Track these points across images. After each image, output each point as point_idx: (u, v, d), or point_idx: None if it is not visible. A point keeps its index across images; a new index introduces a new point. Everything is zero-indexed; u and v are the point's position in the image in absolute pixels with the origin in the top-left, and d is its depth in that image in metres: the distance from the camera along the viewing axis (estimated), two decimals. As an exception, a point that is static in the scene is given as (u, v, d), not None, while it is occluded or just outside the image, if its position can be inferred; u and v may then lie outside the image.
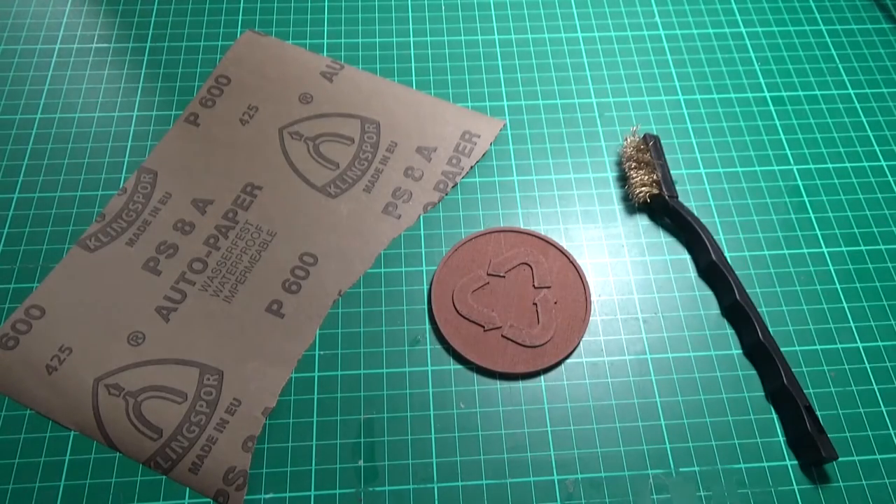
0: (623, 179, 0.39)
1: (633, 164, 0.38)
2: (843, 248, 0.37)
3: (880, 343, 0.35)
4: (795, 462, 0.32)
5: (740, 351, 0.34)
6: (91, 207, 0.37)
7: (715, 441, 0.32)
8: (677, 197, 0.38)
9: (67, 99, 0.41)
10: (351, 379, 0.33)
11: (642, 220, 0.38)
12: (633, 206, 0.38)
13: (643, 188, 0.37)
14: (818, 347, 0.34)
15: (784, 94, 0.43)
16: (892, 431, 0.32)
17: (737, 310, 0.34)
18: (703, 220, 0.38)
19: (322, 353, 0.34)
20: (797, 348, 0.34)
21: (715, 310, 0.35)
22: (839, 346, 0.34)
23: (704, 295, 0.36)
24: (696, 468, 0.31)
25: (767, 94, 0.43)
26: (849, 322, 0.35)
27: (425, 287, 0.36)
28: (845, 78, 0.44)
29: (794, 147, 0.41)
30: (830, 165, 0.40)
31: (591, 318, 0.35)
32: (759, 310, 0.35)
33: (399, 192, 0.38)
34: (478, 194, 0.39)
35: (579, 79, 0.43)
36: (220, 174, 0.38)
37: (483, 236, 0.37)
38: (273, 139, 0.40)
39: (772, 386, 0.33)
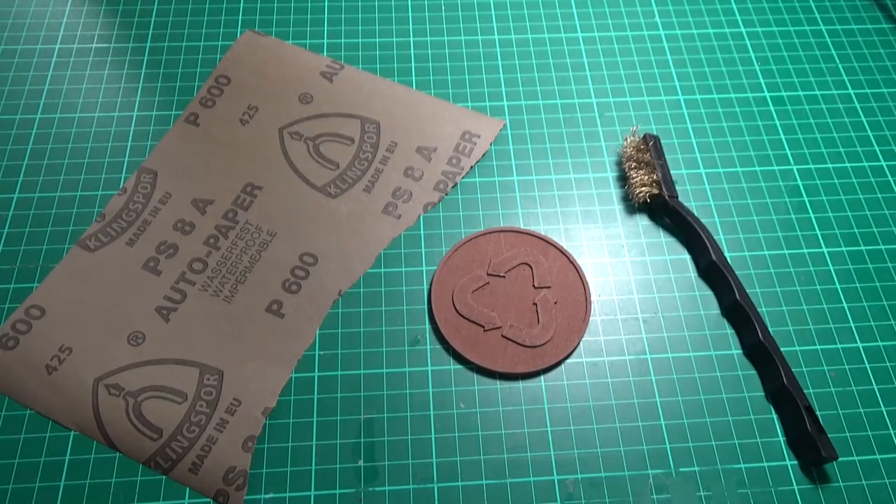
0: (623, 179, 0.39)
1: (633, 164, 0.38)
2: (843, 248, 0.37)
3: (880, 343, 0.35)
4: (795, 462, 0.32)
5: (740, 351, 0.34)
6: (91, 207, 0.37)
7: (715, 441, 0.32)
8: (677, 197, 0.38)
9: (67, 99, 0.41)
10: (351, 379, 0.33)
11: (642, 220, 0.38)
12: (633, 206, 0.38)
13: (643, 188, 0.37)
14: (818, 347, 0.34)
15: (784, 94, 0.43)
16: (892, 431, 0.32)
17: (737, 310, 0.34)
18: (703, 220, 0.38)
19: (322, 353, 0.34)
20: (797, 348, 0.34)
21: (715, 310, 0.35)
22: (839, 346, 0.34)
23: (704, 295, 0.36)
24: (696, 468, 0.31)
25: (767, 94, 0.43)
26: (849, 322, 0.35)
27: (425, 287, 0.36)
28: (845, 78, 0.44)
29: (794, 147, 0.41)
30: (830, 165, 0.40)
31: (591, 318, 0.35)
32: (759, 310, 0.35)
33: (399, 192, 0.38)
34: (478, 194, 0.39)
35: (579, 79, 0.43)
36: (220, 174, 0.38)
37: (483, 236, 0.37)
38: (273, 139, 0.40)
39: (772, 386, 0.33)
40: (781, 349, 0.34)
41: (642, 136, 0.39)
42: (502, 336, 0.34)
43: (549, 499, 0.30)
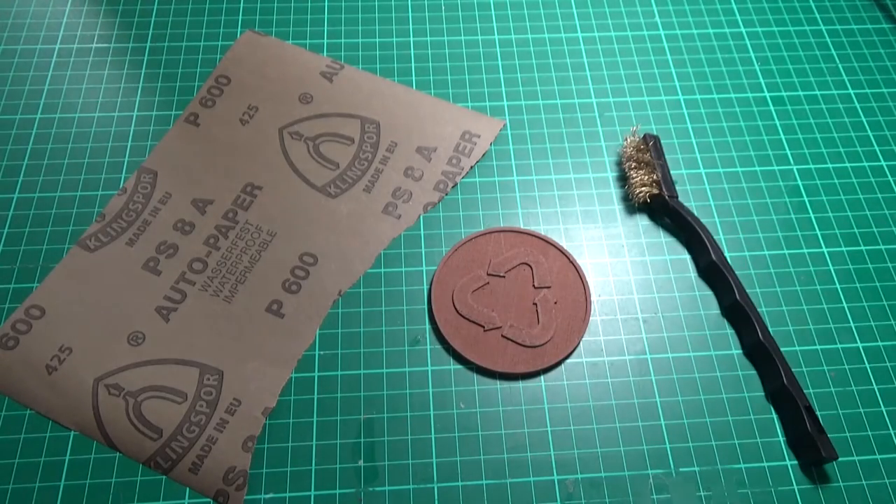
0: (623, 179, 0.39)
1: (633, 164, 0.38)
2: (843, 248, 0.37)
3: (880, 343, 0.35)
4: (795, 462, 0.32)
5: (740, 351, 0.34)
6: (91, 207, 0.37)
7: (715, 441, 0.32)
8: (677, 197, 0.38)
9: (67, 99, 0.41)
10: (351, 379, 0.33)
11: (642, 220, 0.38)
12: (633, 206, 0.38)
13: (643, 188, 0.37)
14: (818, 347, 0.34)
15: (784, 94, 0.43)
16: (892, 431, 0.32)
17: (737, 310, 0.34)
18: (703, 220, 0.38)
19: (322, 353, 0.34)
20: (797, 348, 0.34)
21: (715, 310, 0.35)
22: (839, 346, 0.34)
23: (704, 295, 0.36)
24: (696, 468, 0.31)
25: (767, 94, 0.43)
26: (849, 322, 0.35)
27: (425, 287, 0.36)
28: (845, 78, 0.44)
29: (794, 147, 0.41)
30: (830, 165, 0.40)
31: (591, 318, 0.35)
32: (759, 310, 0.35)
33: (399, 192, 0.38)
34: (478, 194, 0.39)
35: (579, 79, 0.43)
36: (220, 174, 0.38)
37: (483, 236, 0.37)
38: (273, 139, 0.40)
39: (772, 386, 0.33)
40: (781, 349, 0.34)
41: (642, 136, 0.39)
42: (502, 336, 0.34)
43: (549, 499, 0.30)
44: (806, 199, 0.39)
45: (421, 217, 0.38)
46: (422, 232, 0.37)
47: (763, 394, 0.33)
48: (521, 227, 0.37)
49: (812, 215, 0.38)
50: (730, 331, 0.35)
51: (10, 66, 0.42)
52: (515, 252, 0.36)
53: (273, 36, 0.44)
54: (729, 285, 0.35)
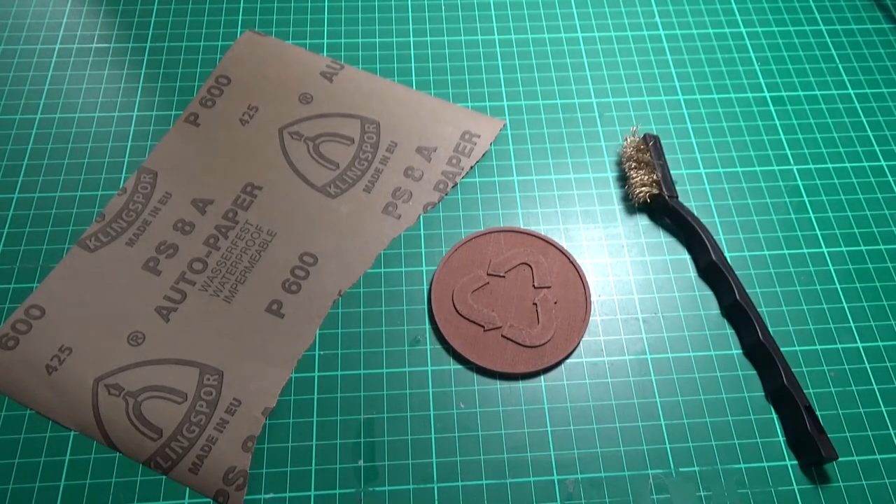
0: (623, 179, 0.39)
1: (633, 164, 0.38)
2: (843, 248, 0.37)
3: (880, 343, 0.35)
4: (795, 462, 0.32)
5: (740, 351, 0.34)
6: (91, 207, 0.37)
7: (715, 441, 0.32)
8: (677, 197, 0.38)
9: (67, 99, 0.41)
10: (351, 379, 0.33)
11: (642, 220, 0.38)
12: (633, 206, 0.38)
13: (643, 188, 0.37)
14: (818, 347, 0.34)
15: (784, 94, 0.43)
16: (892, 431, 0.32)
17: (737, 310, 0.34)
18: (703, 220, 0.38)
19: (322, 353, 0.34)
20: (797, 348, 0.34)
21: (715, 310, 0.35)
22: (839, 346, 0.34)
23: (704, 295, 0.36)
24: (696, 468, 0.31)
25: (767, 94, 0.43)
26: (849, 322, 0.35)
27: (425, 287, 0.36)
28: (845, 78, 0.44)
29: (794, 147, 0.41)
30: (830, 165, 0.40)
31: (591, 318, 0.35)
32: (759, 310, 0.35)
33: (399, 192, 0.38)
34: (478, 194, 0.39)
35: (579, 79, 0.43)
36: (220, 174, 0.38)
37: (483, 236, 0.37)
38: (273, 139, 0.40)
39: (772, 386, 0.33)
40: (781, 349, 0.34)
41: (642, 136, 0.39)
42: (502, 336, 0.34)
43: (549, 499, 0.30)
44: (806, 199, 0.39)
45: (421, 217, 0.38)
46: (422, 232, 0.37)
47: (763, 394, 0.33)
48: (521, 227, 0.37)
49: (812, 215, 0.38)
50: (730, 331, 0.35)
51: (10, 66, 0.42)
52: (515, 252, 0.36)
53: (273, 36, 0.44)
54: (729, 285, 0.35)
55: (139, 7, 0.45)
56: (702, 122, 0.41)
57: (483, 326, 0.34)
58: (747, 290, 0.36)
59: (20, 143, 0.39)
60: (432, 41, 0.44)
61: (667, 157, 0.40)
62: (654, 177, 0.38)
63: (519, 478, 0.31)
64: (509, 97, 0.42)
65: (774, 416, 0.33)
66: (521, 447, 0.32)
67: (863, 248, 0.37)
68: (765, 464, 0.31)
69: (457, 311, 0.34)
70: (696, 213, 0.38)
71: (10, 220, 0.37)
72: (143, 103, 0.41)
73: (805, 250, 0.37)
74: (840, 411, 0.33)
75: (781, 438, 0.32)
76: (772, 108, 0.42)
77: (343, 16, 0.45)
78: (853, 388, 0.33)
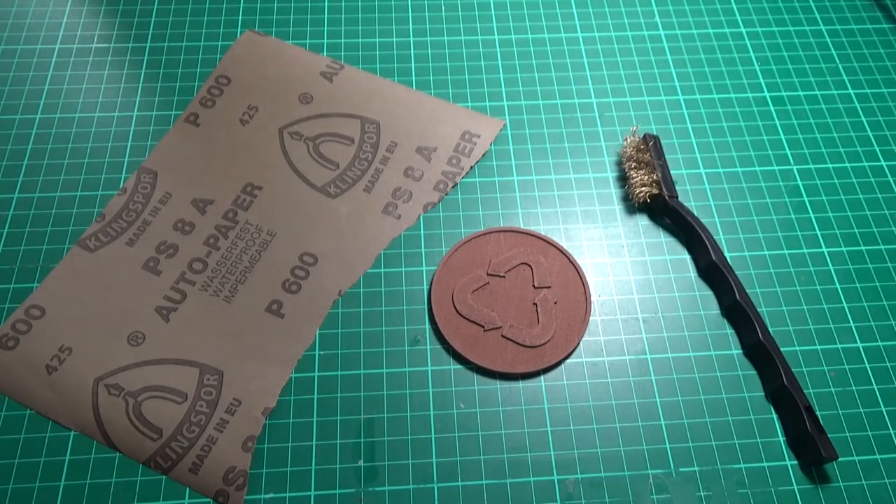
0: (623, 179, 0.39)
1: (633, 164, 0.38)
2: (843, 248, 0.37)
3: (880, 343, 0.35)
4: (795, 462, 0.32)
5: (740, 351, 0.34)
6: (91, 207, 0.37)
7: (715, 441, 0.32)
8: (677, 197, 0.38)
9: (67, 99, 0.41)
10: (351, 379, 0.33)
11: (642, 220, 0.38)
12: (633, 206, 0.38)
13: (643, 188, 0.37)
14: (818, 347, 0.34)
15: (784, 94, 0.43)
16: (892, 431, 0.32)
17: (737, 310, 0.34)
18: (703, 220, 0.38)
19: (322, 353, 0.34)
20: (797, 348, 0.34)
21: (715, 310, 0.35)
22: (839, 346, 0.34)
23: (704, 295, 0.36)
24: (696, 468, 0.31)
25: (767, 94, 0.43)
26: (849, 322, 0.35)
27: (425, 287, 0.36)
28: (845, 78, 0.44)
29: (794, 147, 0.41)
30: (830, 165, 0.40)
31: (591, 318, 0.35)
32: (759, 310, 0.35)
33: (399, 192, 0.38)
34: (478, 194, 0.39)
35: (579, 79, 0.43)
36: (220, 174, 0.38)
37: (483, 236, 0.37)
38: (273, 139, 0.40)
39: (772, 386, 0.33)
40: (781, 349, 0.34)
41: (642, 136, 0.39)
42: (502, 336, 0.34)
43: (549, 499, 0.30)
44: (806, 199, 0.39)
45: (421, 217, 0.38)
46: (422, 232, 0.37)
47: (763, 394, 0.33)
48: (521, 227, 0.37)
49: (812, 215, 0.38)
50: (730, 331, 0.35)
51: (10, 66, 0.42)
52: (515, 252, 0.36)
53: (273, 36, 0.44)
54: (729, 285, 0.35)
55: (139, 7, 0.45)
56: (702, 122, 0.41)
57: (483, 326, 0.34)
58: (747, 290, 0.36)
59: (20, 143, 0.39)
60: (432, 41, 0.44)
61: (667, 157, 0.40)
62: (654, 177, 0.38)
63: (519, 478, 0.31)
64: (509, 97, 0.42)
65: (774, 416, 0.33)
66: (521, 447, 0.32)
67: (863, 248, 0.37)
68: (765, 464, 0.31)
69: (457, 311, 0.34)
70: (696, 213, 0.38)
71: (10, 220, 0.37)
72: (143, 103, 0.41)
73: (805, 250, 0.37)
74: (840, 411, 0.33)
75: (781, 438, 0.32)
76: (772, 108, 0.42)
77: (343, 16, 0.45)
78: (853, 388, 0.33)
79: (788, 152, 0.40)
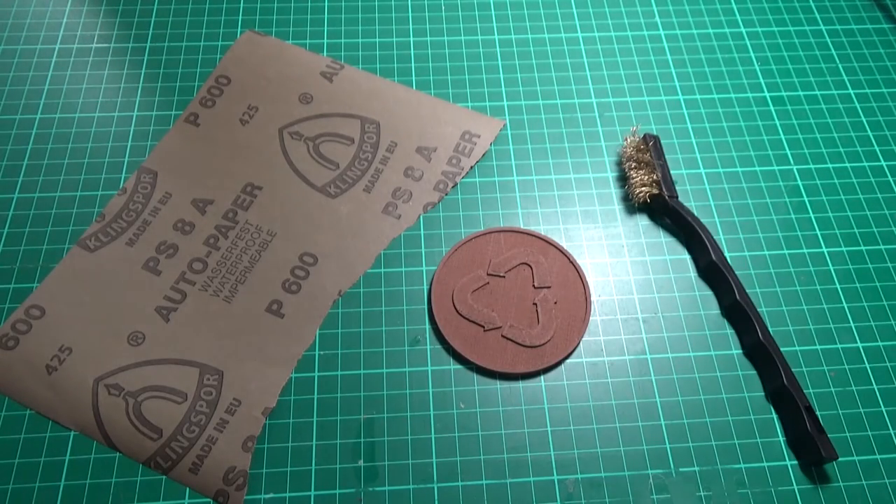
0: (623, 179, 0.39)
1: (633, 164, 0.38)
2: (843, 248, 0.37)
3: (880, 343, 0.35)
4: (795, 462, 0.32)
5: (740, 351, 0.34)
6: (91, 207, 0.37)
7: (715, 441, 0.32)
8: (677, 197, 0.38)
9: (67, 99, 0.41)
10: (351, 379, 0.33)
11: (642, 220, 0.38)
12: (633, 206, 0.38)
13: (643, 188, 0.37)
14: (818, 347, 0.34)
15: (784, 94, 0.43)
16: (892, 431, 0.32)
17: (737, 310, 0.34)
18: (703, 220, 0.38)
19: (322, 353, 0.34)
20: (797, 348, 0.34)
21: (715, 310, 0.35)
22: (839, 346, 0.34)
23: (704, 295, 0.36)
24: (696, 468, 0.31)
25: (767, 94, 0.43)
26: (849, 322, 0.35)
27: (425, 287, 0.36)
28: (845, 78, 0.44)
29: (794, 147, 0.41)
30: (830, 165, 0.40)
31: (591, 318, 0.35)
32: (759, 310, 0.35)
33: (399, 192, 0.38)
34: (478, 194, 0.39)
35: (579, 79, 0.43)
36: (220, 174, 0.38)
37: (483, 236, 0.37)
38: (273, 139, 0.40)
39: (772, 386, 0.33)
40: (781, 349, 0.34)
41: (642, 136, 0.39)
42: (502, 336, 0.34)
43: (549, 499, 0.30)
44: (806, 199, 0.39)
45: (421, 217, 0.38)
46: (422, 232, 0.37)
47: (763, 394, 0.33)
48: (521, 227, 0.37)
49: (812, 215, 0.38)
50: (730, 331, 0.35)
51: (10, 66, 0.42)
52: (515, 252, 0.36)
53: (273, 36, 0.44)
54: (729, 285, 0.35)
55: (139, 7, 0.45)
56: (702, 122, 0.41)
57: (483, 326, 0.34)
58: (747, 290, 0.36)
59: (20, 143, 0.39)
60: (432, 41, 0.44)
61: (667, 157, 0.40)
62: (654, 177, 0.38)
63: (519, 478, 0.31)
64: (509, 97, 0.42)
65: (774, 416, 0.33)
66: (521, 447, 0.32)
67: (863, 248, 0.37)
68: (765, 464, 0.31)
69: (457, 311, 0.34)
70: (696, 213, 0.38)
71: (10, 220, 0.37)
72: (143, 103, 0.41)
73: (805, 250, 0.37)
74: (840, 411, 0.33)
75: (781, 438, 0.32)
76: (772, 108, 0.42)
77: (343, 16, 0.45)
78: (853, 388, 0.33)
79: (788, 152, 0.40)
